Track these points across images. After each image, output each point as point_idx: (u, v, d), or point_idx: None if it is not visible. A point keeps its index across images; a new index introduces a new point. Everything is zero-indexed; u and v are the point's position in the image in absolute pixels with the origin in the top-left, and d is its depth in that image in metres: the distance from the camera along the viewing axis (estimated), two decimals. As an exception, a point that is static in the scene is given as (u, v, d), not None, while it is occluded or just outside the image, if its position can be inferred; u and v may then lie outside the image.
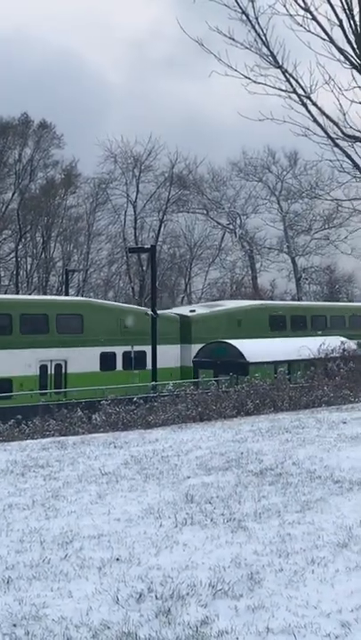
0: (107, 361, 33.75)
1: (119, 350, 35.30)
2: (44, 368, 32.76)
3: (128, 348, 35.68)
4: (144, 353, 34.99)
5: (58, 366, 33.21)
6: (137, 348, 35.57)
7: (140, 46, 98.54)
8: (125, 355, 35.66)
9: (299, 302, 48.37)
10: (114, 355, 35.06)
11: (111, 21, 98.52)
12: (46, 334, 32.90)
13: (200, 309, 41.50)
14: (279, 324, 41.34)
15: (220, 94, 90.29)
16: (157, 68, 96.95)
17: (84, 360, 33.38)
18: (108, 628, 5.47)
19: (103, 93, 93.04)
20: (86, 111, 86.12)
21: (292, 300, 65.34)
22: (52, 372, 33.04)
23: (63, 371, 33.32)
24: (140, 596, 6.00)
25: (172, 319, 38.82)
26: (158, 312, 37.70)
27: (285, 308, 44.95)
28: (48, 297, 47.51)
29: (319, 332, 38.86)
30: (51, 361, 32.88)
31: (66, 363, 33.29)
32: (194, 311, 40.79)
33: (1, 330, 31.82)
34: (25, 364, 31.30)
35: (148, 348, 34.19)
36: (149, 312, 33.42)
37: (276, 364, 33.53)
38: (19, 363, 30.85)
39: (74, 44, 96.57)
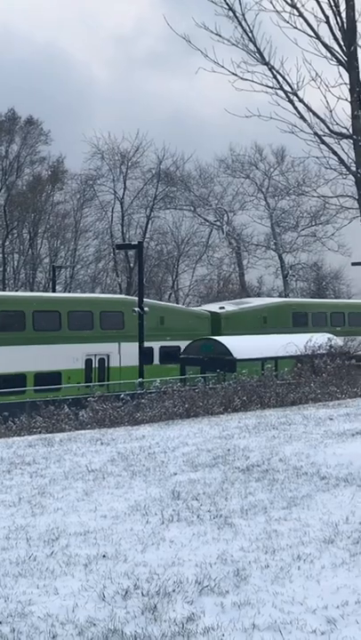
0: (145, 355, 34.41)
1: (156, 345, 36.66)
2: (89, 362, 34.65)
3: (164, 343, 37.32)
4: (178, 348, 36.55)
5: (101, 360, 35.08)
6: (172, 343, 37.26)
7: (125, 42, 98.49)
8: (161, 349, 37.27)
9: (320, 300, 49.16)
10: (151, 349, 36.26)
11: (96, 17, 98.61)
12: (91, 330, 34.88)
13: (228, 307, 42.93)
14: (301, 321, 42.76)
15: (207, 90, 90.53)
16: (143, 64, 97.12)
17: (124, 354, 34.89)
18: (94, 624, 5.46)
19: (89, 89, 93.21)
20: (72, 107, 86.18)
21: (280, 296, 65.41)
22: (97, 365, 34.91)
23: (106, 364, 35.14)
24: (127, 592, 6.00)
25: (204, 316, 40.61)
26: (192, 308, 41.13)
27: (307, 305, 46.60)
28: (93, 295, 49.63)
29: (338, 329, 40.61)
30: (95, 355, 34.77)
31: (108, 357, 35.14)
32: (223, 308, 42.19)
33: (52, 326, 33.46)
34: (73, 358, 33.06)
35: (182, 343, 36.18)
36: (136, 309, 33.41)
37: (263, 360, 33.55)
38: (67, 357, 32.52)
39: (59, 40, 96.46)
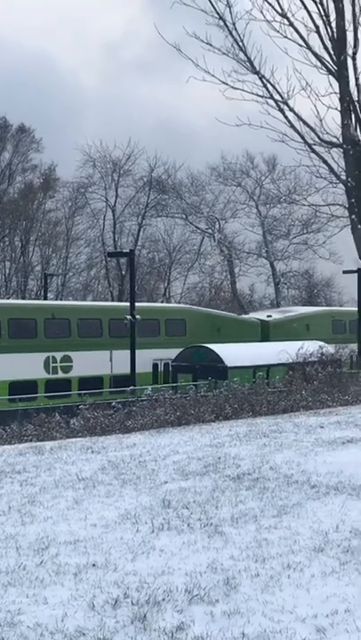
0: None
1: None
2: (155, 366, 37.67)
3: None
4: None
5: (166, 364, 37.78)
6: None
7: (113, 50, 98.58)
8: None
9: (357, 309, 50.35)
10: None
11: (85, 25, 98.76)
12: (158, 337, 37.97)
13: (275, 315, 46.08)
14: (340, 328, 45.50)
15: (197, 98, 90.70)
16: (131, 71, 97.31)
17: None
18: (84, 634, 5.45)
19: (78, 97, 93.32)
20: (62, 115, 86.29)
21: (271, 304, 65.51)
22: (162, 369, 37.86)
23: (170, 368, 37.56)
24: (116, 601, 5.98)
25: (254, 323, 43.48)
26: (244, 317, 45.97)
27: (345, 314, 49.01)
28: (158, 304, 53.29)
29: None
30: (160, 360, 37.67)
31: (172, 361, 37.36)
32: (270, 316, 45.15)
33: (124, 333, 35.33)
34: (142, 363, 34.70)
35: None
36: (128, 317, 33.43)
37: (254, 368, 33.57)
38: (138, 362, 33.85)
39: (48, 48, 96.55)
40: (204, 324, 40.35)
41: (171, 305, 50.81)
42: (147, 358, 35.89)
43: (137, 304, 42.49)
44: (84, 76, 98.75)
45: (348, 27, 13.50)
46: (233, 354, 34.65)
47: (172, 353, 37.02)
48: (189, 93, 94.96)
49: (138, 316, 33.83)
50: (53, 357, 33.82)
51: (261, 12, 13.54)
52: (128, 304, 35.25)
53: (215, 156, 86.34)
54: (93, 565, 6.85)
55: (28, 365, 32.23)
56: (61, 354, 34.08)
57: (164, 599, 6.00)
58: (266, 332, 42.82)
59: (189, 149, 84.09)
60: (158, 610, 5.80)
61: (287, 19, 13.50)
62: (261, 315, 46.87)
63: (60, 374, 33.90)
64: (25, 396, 29.40)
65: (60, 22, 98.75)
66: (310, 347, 31.90)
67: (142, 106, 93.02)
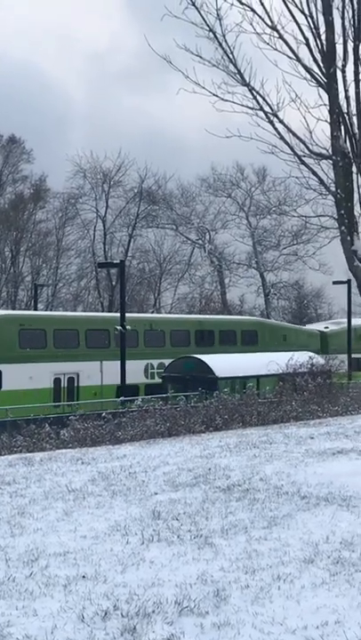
0: None
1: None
2: None
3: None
4: None
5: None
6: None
7: (100, 61, 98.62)
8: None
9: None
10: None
11: (70, 36, 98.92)
12: (235, 346, 40.99)
13: (331, 326, 49.35)
14: None
15: (185, 109, 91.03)
16: (119, 82, 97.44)
17: None
18: (73, 646, 5.43)
19: (66, 108, 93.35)
20: (50, 126, 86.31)
21: (261, 315, 65.59)
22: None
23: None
24: (106, 613, 5.97)
25: (315, 334, 46.53)
26: (306, 327, 49.59)
27: None
28: (235, 317, 55.78)
29: None
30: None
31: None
32: (327, 328, 48.61)
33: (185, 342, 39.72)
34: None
35: None
36: (118, 327, 33.40)
37: (245, 379, 33.57)
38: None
39: (35, 59, 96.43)
40: (274, 334, 43.53)
41: (245, 318, 53.52)
42: None
43: (219, 317, 49.64)
44: (71, 88, 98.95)
45: (338, 39, 13.55)
46: (223, 364, 34.60)
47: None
48: (177, 105, 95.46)
49: (128, 327, 33.79)
50: (151, 364, 37.97)
51: (251, 24, 13.57)
52: (209, 317, 38.92)
53: (205, 168, 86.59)
54: (83, 577, 6.84)
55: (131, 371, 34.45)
56: (157, 361, 37.82)
57: (153, 611, 5.99)
58: (325, 342, 45.69)
59: (178, 161, 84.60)
60: (148, 622, 5.78)
61: (277, 31, 13.54)
62: (319, 326, 50.36)
63: (157, 379, 37.17)
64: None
65: (45, 33, 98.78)
66: (300, 357, 31.93)
67: (130, 117, 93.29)
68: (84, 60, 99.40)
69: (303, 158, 13.70)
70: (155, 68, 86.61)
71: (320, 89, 13.64)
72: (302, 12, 13.52)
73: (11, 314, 37.56)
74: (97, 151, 79.09)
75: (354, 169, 13.67)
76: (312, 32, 13.55)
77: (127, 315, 35.19)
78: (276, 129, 13.69)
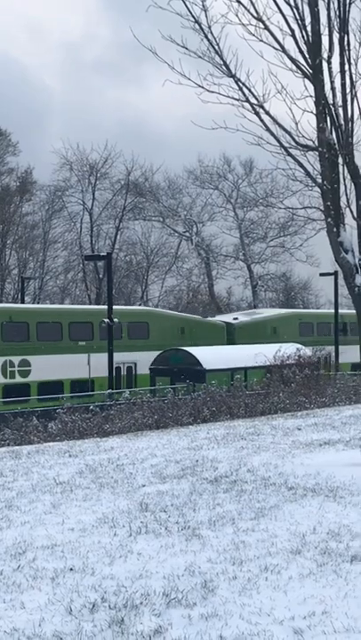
0: None
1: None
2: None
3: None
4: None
5: None
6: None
7: (76, 52, 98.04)
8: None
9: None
10: None
11: (46, 27, 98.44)
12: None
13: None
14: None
15: (168, 101, 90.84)
16: (97, 73, 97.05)
17: None
18: (61, 639, 5.43)
19: (47, 100, 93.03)
20: (29, 118, 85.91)
21: (249, 307, 65.66)
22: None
23: None
24: (94, 606, 5.97)
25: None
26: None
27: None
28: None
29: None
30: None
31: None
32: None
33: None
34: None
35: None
36: (105, 320, 33.38)
37: (232, 371, 33.63)
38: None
39: (12, 52, 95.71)
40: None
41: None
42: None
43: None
44: (49, 79, 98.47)
45: (324, 30, 13.51)
46: (211, 357, 34.67)
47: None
48: (156, 94, 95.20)
49: (115, 319, 33.78)
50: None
51: (237, 15, 13.51)
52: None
53: (188, 159, 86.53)
54: (71, 570, 6.83)
55: None
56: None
57: (141, 603, 5.99)
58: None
59: (163, 152, 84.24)
60: (136, 613, 5.79)
61: (262, 22, 13.50)
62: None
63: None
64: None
65: (20, 25, 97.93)
66: (288, 349, 32.00)
67: (108, 107, 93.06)
68: (61, 52, 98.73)
69: (289, 150, 13.68)
70: (131, 58, 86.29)
71: (306, 80, 13.61)
72: (288, 3, 13.48)
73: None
74: (77, 141, 78.98)
75: (340, 160, 13.66)
76: (298, 23, 13.52)
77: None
78: (262, 120, 13.66)
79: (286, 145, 13.66)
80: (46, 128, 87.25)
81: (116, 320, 33.77)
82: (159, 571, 6.71)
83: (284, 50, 13.57)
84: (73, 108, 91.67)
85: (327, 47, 13.61)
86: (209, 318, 48.32)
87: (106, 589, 6.30)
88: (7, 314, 34.88)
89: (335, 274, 41.17)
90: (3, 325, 33.72)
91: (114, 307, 35.63)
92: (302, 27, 13.52)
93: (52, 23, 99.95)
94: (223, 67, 13.62)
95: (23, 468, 11.90)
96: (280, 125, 13.66)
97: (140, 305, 63.94)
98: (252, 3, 13.50)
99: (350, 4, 13.49)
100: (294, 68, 13.60)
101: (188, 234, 70.83)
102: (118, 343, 35.25)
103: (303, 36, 13.53)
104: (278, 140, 13.59)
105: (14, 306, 43.06)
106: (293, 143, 13.68)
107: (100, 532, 8.03)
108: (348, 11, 13.50)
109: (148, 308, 54.09)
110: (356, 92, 13.67)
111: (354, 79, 13.61)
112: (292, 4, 13.48)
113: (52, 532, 8.07)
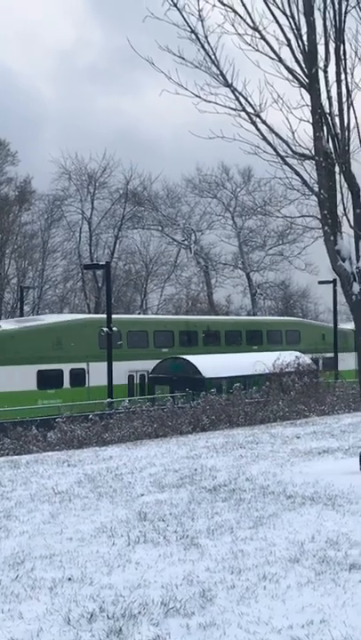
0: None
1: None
2: None
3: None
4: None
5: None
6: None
7: (68, 59, 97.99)
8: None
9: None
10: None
11: (39, 37, 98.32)
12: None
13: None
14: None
15: (164, 110, 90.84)
16: (88, 80, 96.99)
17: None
18: (59, 649, 5.43)
19: (40, 108, 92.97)
20: (24, 126, 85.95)
21: (248, 315, 65.72)
22: None
23: None
24: (92, 615, 5.97)
25: None
26: None
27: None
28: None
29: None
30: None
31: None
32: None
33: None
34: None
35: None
36: (105, 329, 33.36)
37: (231, 379, 33.64)
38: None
39: (6, 60, 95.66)
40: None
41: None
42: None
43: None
44: (43, 87, 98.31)
45: (320, 40, 13.54)
46: (210, 365, 34.68)
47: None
48: (156, 103, 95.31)
49: (115, 328, 33.78)
50: None
51: (233, 25, 13.56)
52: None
53: (190, 168, 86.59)
54: (69, 579, 6.83)
55: None
56: None
57: (139, 612, 5.99)
58: None
59: (160, 160, 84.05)
60: (134, 623, 5.79)
61: (259, 32, 13.53)
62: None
63: None
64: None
65: (13, 34, 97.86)
66: (287, 357, 32.02)
67: (106, 116, 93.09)
68: (55, 61, 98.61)
69: (286, 159, 13.70)
70: (125, 65, 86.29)
71: (302, 89, 13.64)
72: (284, 13, 13.52)
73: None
74: (72, 149, 78.96)
75: (336, 169, 13.69)
76: (294, 33, 13.56)
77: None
78: (258, 129, 13.68)
79: (283, 154, 13.69)
80: (41, 136, 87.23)
81: (115, 329, 33.71)
82: (157, 580, 6.71)
83: (280, 59, 13.60)
84: (68, 115, 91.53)
85: (323, 56, 13.65)
86: None
87: (104, 599, 6.30)
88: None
89: (334, 282, 41.13)
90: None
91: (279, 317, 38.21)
92: (298, 36, 13.55)
93: (45, 30, 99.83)
94: (220, 76, 13.65)
95: (22, 478, 11.90)
96: (277, 134, 13.69)
97: (139, 313, 63.96)
98: (248, 13, 13.54)
99: (346, 13, 13.52)
100: (291, 77, 13.63)
101: (186, 242, 70.86)
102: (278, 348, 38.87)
103: (299, 46, 13.56)
104: (275, 149, 13.61)
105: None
106: (290, 152, 13.71)
107: (99, 541, 8.03)
108: (344, 20, 13.53)
109: (299, 319, 57.60)
110: (352, 101, 13.71)
111: (350, 88, 13.64)
112: (288, 13, 13.51)
113: (50, 541, 8.07)
